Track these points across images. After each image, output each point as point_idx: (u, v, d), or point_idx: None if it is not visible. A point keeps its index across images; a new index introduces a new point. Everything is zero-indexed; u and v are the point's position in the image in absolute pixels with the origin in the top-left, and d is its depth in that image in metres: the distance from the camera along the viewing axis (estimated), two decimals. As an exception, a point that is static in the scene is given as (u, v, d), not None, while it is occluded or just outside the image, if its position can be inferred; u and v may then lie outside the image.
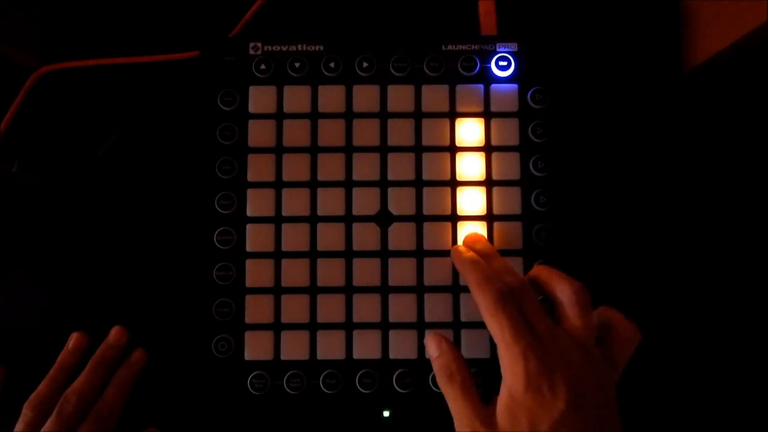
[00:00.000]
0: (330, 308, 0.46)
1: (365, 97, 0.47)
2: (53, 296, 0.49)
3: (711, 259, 0.48)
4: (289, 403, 0.45)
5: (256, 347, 0.45)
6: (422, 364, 0.45)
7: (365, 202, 0.47)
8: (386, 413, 0.45)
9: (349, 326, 0.46)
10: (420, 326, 0.45)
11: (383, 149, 0.47)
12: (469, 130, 0.47)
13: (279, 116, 0.47)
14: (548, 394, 0.35)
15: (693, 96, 0.50)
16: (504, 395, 0.37)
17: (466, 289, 0.46)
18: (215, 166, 0.47)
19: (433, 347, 0.40)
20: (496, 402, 0.37)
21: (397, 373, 0.45)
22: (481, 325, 0.45)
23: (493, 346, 0.45)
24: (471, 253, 0.42)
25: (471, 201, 0.46)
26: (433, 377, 0.44)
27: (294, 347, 0.45)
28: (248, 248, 0.46)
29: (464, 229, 0.46)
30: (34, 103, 0.50)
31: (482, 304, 0.38)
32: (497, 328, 0.37)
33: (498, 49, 0.48)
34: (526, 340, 0.36)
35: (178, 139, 0.50)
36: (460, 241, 0.46)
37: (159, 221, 0.49)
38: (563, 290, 0.39)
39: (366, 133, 0.47)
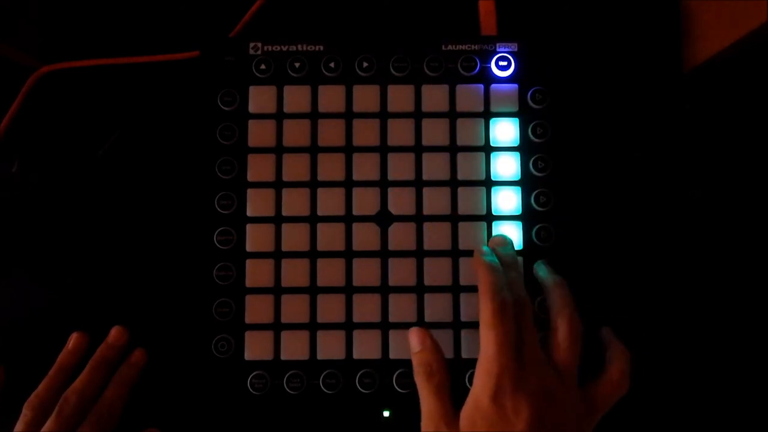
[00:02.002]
0: (330, 308, 0.46)
1: (365, 97, 0.47)
2: (53, 296, 0.48)
3: (711, 259, 0.48)
4: (289, 403, 0.45)
5: (256, 347, 0.45)
6: (422, 364, 0.45)
7: (365, 202, 0.47)
8: (386, 413, 0.45)
9: (349, 326, 0.45)
10: (420, 326, 0.45)
11: (383, 149, 0.47)
12: (469, 130, 0.47)
13: (279, 116, 0.47)
14: (511, 413, 0.36)
15: (693, 96, 0.50)
16: (470, 402, 0.38)
17: (465, 290, 0.46)
18: (215, 166, 0.47)
19: (416, 342, 0.41)
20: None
21: (397, 373, 0.45)
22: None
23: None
24: (491, 258, 0.42)
25: (471, 201, 0.46)
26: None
27: (294, 347, 0.45)
28: (248, 248, 0.46)
29: (464, 229, 0.46)
30: (34, 103, 0.50)
31: (483, 312, 0.39)
32: (486, 340, 0.38)
33: (498, 49, 0.48)
34: (507, 359, 0.37)
35: (178, 139, 0.50)
36: (460, 241, 0.46)
37: (159, 221, 0.49)
38: (562, 318, 0.40)
39: (366, 133, 0.47)
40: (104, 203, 0.49)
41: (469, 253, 0.46)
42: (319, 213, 0.46)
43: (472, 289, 0.46)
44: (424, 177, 0.47)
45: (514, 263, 0.42)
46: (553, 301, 0.41)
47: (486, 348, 0.38)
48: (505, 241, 0.44)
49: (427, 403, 0.39)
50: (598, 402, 0.40)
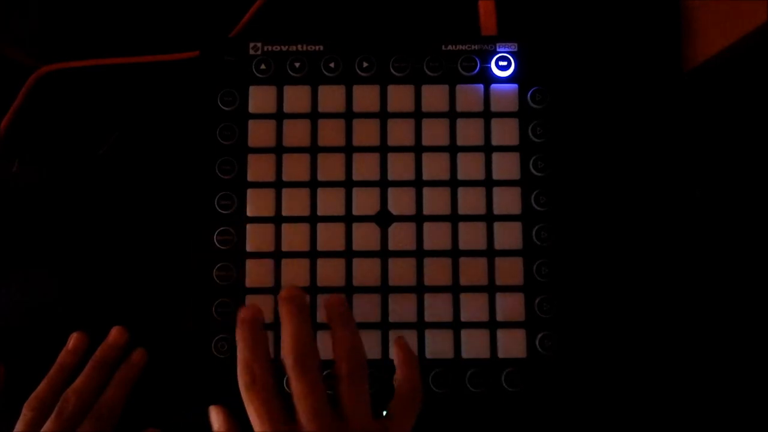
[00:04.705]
0: (330, 308, 0.46)
1: (365, 97, 0.47)
2: (53, 296, 0.48)
3: (712, 258, 0.48)
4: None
5: (256, 347, 0.45)
6: (422, 364, 0.45)
7: (365, 202, 0.47)
8: (385, 413, 0.45)
9: (349, 326, 0.45)
10: (420, 326, 0.45)
11: (383, 149, 0.47)
12: (469, 130, 0.47)
13: (279, 116, 0.47)
14: None
15: (693, 96, 0.50)
16: None
17: (466, 290, 0.46)
18: (215, 166, 0.47)
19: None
20: None
21: (397, 373, 0.45)
22: (481, 325, 0.45)
23: (494, 347, 0.45)
24: (254, 328, 0.39)
25: (471, 201, 0.46)
26: (434, 377, 0.45)
27: (294, 347, 0.45)
28: (248, 248, 0.46)
29: (464, 229, 0.46)
30: (34, 103, 0.50)
31: (239, 382, 0.37)
32: (248, 410, 0.37)
33: (498, 49, 0.48)
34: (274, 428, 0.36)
35: (178, 139, 0.50)
36: (461, 242, 0.46)
37: (159, 221, 0.49)
38: (340, 360, 0.38)
39: (366, 133, 0.47)
40: (104, 203, 0.49)
41: (471, 253, 0.46)
42: (319, 213, 0.46)
43: (473, 289, 0.46)
44: (424, 177, 0.47)
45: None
46: (335, 341, 0.39)
47: (251, 419, 0.37)
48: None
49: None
50: (394, 426, 0.38)
